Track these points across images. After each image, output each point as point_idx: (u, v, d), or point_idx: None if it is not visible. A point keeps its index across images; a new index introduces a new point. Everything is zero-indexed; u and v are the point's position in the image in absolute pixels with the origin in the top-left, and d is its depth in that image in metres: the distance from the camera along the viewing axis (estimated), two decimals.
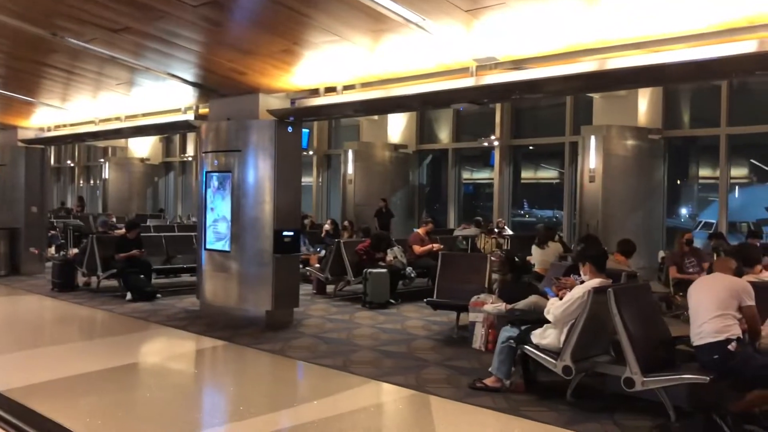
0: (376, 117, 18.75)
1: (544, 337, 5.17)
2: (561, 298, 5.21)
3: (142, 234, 10.83)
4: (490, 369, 5.61)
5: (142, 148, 26.75)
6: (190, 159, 25.41)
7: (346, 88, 7.60)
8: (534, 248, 8.77)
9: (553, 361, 5.04)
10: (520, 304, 6.11)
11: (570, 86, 6.48)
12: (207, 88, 8.42)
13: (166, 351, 7.47)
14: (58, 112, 11.47)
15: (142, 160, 26.59)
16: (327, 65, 7.16)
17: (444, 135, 19.23)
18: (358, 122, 19.90)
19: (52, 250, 14.14)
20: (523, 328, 5.36)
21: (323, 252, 11.83)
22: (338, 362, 6.34)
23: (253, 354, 6.80)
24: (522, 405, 5.10)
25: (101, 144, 26.70)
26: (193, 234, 11.85)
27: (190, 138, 25.35)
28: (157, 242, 11.21)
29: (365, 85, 7.49)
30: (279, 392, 5.77)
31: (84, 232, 15.02)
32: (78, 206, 24.23)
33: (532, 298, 6.10)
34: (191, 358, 7.18)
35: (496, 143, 17.00)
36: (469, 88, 6.35)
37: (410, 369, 6.10)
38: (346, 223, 14.53)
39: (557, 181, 18.45)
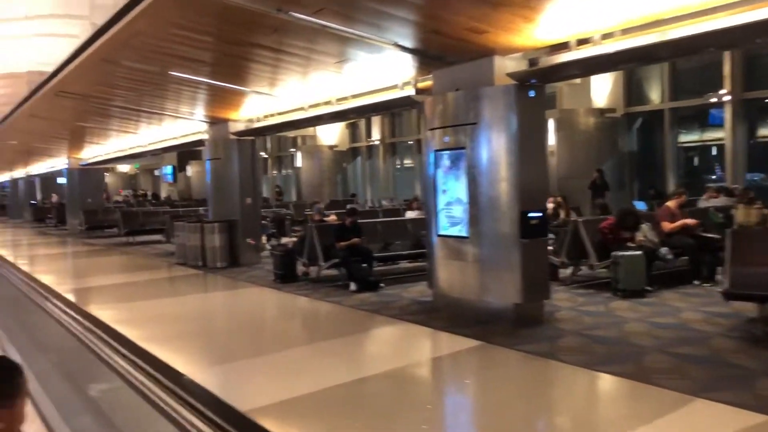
0: (578, 81, 17.07)
1: None
2: None
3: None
4: None
5: (330, 135, 27.11)
6: (376, 143, 25.35)
7: (604, 36, 6.32)
8: None
9: None
10: None
11: None
12: (430, 56, 7.54)
13: (417, 353, 6.68)
14: (267, 101, 11.33)
15: (330, 147, 26.95)
16: (584, 9, 5.96)
17: (655, 95, 17.10)
18: (555, 89, 18.30)
19: (264, 239, 14.32)
20: None
21: None
22: (629, 369, 5.17)
23: (520, 358, 5.81)
24: None
25: (291, 134, 27.44)
26: (407, 219, 11.26)
27: (375, 122, 25.27)
28: (371, 228, 10.68)
29: (626, 31, 6.16)
30: (588, 412, 4.66)
31: (292, 221, 15.11)
32: (277, 195, 25.06)
33: None
34: (451, 363, 6.22)
35: (726, 98, 14.66)
36: None
37: (738, 381, 4.77)
38: (559, 199, 13.10)
39: None
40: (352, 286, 9.31)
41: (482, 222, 7.22)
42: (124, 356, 6.56)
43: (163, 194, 38.31)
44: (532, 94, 7.07)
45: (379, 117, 24.57)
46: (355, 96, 10.05)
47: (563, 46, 6.76)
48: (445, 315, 7.46)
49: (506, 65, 7.12)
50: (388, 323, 7.44)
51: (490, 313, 7.16)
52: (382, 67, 8.50)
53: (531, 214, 7.01)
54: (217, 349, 6.81)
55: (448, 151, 7.54)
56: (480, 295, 7.30)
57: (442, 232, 7.70)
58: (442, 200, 7.66)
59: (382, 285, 9.41)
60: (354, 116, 17.19)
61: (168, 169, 37.56)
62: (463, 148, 7.32)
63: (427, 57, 7.64)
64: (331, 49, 8.21)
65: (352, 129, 27.36)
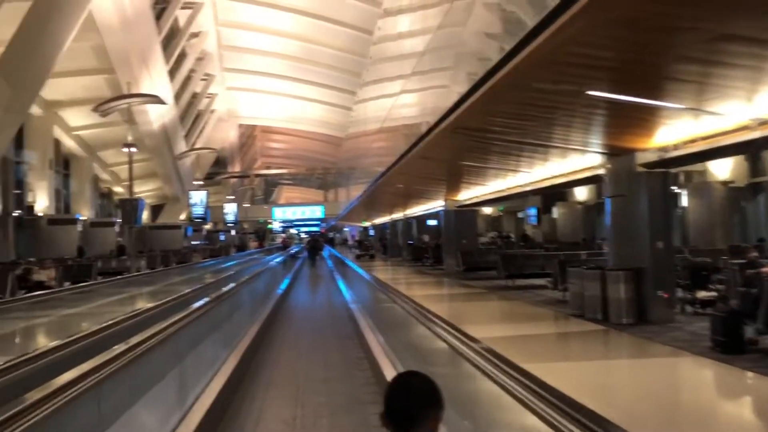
0: None
1: None
2: None
3: None
4: None
5: (723, 169, 23.16)
6: None
7: None
8: None
9: None
10: None
11: None
12: None
13: None
14: (688, 122, 9.17)
15: (724, 183, 22.98)
16: None
17: None
18: None
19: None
20: None
21: None
22: None
23: None
24: None
25: (674, 170, 24.16)
26: None
27: None
28: None
29: None
30: None
31: (702, 268, 12.38)
32: None
33: None
34: None
35: None
36: None
37: None
38: None
39: None
40: None
41: None
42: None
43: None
44: None
45: None
46: None
47: None
48: None
49: None
50: None
51: None
52: None
53: None
54: None
55: None
56: None
57: None
58: None
59: None
60: None
61: (532, 211, 37.06)
62: None
63: None
64: None
65: (753, 161, 22.97)
